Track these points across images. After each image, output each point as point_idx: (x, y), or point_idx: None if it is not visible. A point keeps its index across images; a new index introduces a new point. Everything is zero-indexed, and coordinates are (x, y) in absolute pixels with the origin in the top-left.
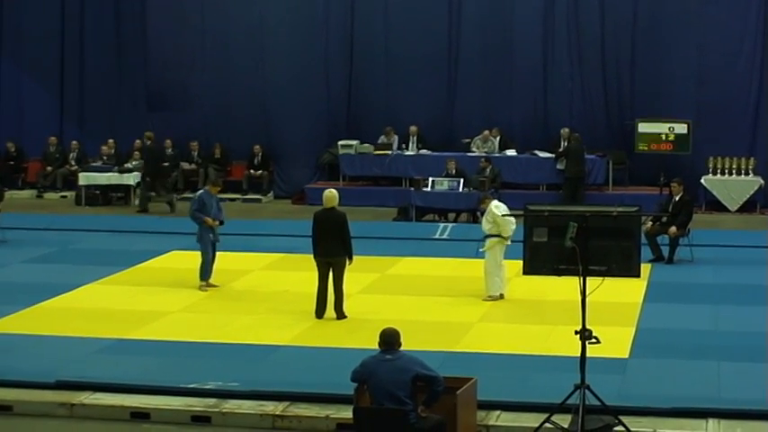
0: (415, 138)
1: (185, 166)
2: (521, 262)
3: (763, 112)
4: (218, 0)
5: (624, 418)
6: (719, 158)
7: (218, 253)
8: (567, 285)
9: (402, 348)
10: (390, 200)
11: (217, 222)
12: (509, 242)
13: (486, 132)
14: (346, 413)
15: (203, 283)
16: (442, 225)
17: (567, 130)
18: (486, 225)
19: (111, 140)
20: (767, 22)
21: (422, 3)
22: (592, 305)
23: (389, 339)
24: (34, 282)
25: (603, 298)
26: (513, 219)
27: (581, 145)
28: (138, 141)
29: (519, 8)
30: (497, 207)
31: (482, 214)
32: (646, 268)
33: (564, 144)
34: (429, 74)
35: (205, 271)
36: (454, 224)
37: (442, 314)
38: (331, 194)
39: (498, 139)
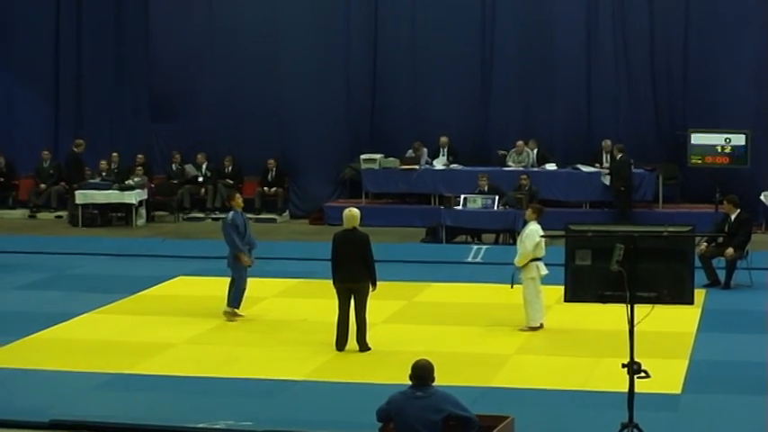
0: (445, 150)
1: (191, 171)
2: (562, 288)
3: None
4: None
5: None
6: None
7: (229, 279)
8: (612, 313)
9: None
10: (418, 219)
11: (252, 259)
12: (544, 270)
13: (521, 143)
14: None
15: (229, 310)
16: (475, 247)
17: (608, 141)
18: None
19: (114, 154)
20: None
21: None
22: (640, 335)
23: (422, 373)
24: (27, 310)
25: (653, 327)
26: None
27: (628, 157)
28: (140, 156)
29: (560, 4)
30: (532, 231)
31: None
32: (700, 294)
33: (606, 157)
34: (460, 78)
35: (235, 297)
36: (489, 246)
37: (476, 345)
38: (352, 214)
39: (536, 151)
